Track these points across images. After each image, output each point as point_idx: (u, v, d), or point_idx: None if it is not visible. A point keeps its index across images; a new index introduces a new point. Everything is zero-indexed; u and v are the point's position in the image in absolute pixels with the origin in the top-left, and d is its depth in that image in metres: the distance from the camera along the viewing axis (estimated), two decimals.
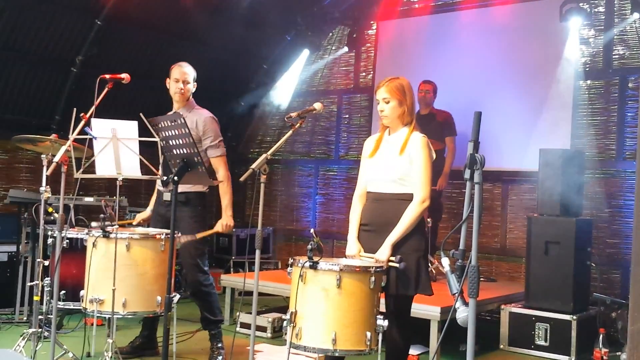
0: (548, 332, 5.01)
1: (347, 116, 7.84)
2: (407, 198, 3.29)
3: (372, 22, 7.63)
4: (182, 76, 4.36)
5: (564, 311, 4.99)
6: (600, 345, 4.70)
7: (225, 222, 4.32)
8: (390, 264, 3.19)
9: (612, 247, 5.86)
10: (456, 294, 2.38)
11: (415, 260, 3.26)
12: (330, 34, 7.94)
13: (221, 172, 4.36)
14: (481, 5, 6.81)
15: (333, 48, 7.93)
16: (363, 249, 3.38)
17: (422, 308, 4.58)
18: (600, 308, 5.25)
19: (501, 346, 5.19)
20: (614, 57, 6.14)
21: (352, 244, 3.39)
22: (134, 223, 4.48)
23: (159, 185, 4.47)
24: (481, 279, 6.39)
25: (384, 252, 3.23)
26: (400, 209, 3.27)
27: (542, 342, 5.04)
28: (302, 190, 8.07)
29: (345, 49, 7.73)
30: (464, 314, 2.34)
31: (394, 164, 3.32)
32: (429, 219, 5.72)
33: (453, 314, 2.43)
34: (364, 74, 7.73)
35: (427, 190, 3.30)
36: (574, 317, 4.93)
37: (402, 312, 3.33)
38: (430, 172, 3.32)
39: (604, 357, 4.66)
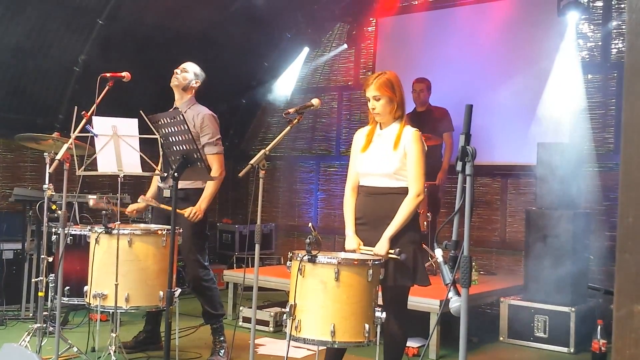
0: (547, 324, 5.06)
1: (347, 112, 7.89)
2: (402, 192, 3.32)
3: (371, 18, 7.68)
4: (181, 66, 4.46)
5: (563, 303, 5.03)
6: (599, 337, 4.73)
7: (195, 210, 4.27)
8: (391, 256, 3.24)
9: (611, 240, 5.87)
10: (449, 284, 2.43)
11: (412, 252, 3.31)
12: (330, 31, 7.99)
13: (215, 168, 4.35)
14: (479, 1, 6.84)
15: (333, 45, 7.98)
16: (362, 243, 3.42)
17: (422, 301, 4.63)
18: (599, 300, 5.30)
19: (501, 338, 5.24)
20: (612, 51, 6.17)
21: (351, 239, 3.41)
22: (127, 211, 4.47)
23: (158, 182, 4.52)
24: (481, 272, 6.43)
25: (382, 246, 3.26)
26: (395, 202, 3.31)
27: (541, 334, 5.09)
28: (303, 187, 8.14)
29: (345, 45, 7.78)
30: (457, 303, 2.39)
31: (389, 159, 3.34)
32: (428, 214, 5.78)
33: (447, 305, 2.48)
34: (363, 70, 7.79)
35: (422, 183, 3.34)
36: (573, 309, 4.97)
37: (399, 303, 3.38)
38: (425, 165, 3.35)
39: (603, 348, 4.69)
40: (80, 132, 3.70)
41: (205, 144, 4.37)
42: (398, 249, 3.22)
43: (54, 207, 4.61)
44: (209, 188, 4.34)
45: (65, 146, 3.76)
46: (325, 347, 3.31)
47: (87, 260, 3.98)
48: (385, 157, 3.36)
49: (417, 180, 3.31)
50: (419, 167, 3.31)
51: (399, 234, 3.29)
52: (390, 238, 3.27)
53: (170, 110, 4.40)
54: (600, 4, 6.23)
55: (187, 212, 4.25)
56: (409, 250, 3.29)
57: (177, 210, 4.14)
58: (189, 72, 4.46)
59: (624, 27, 6.10)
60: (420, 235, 3.42)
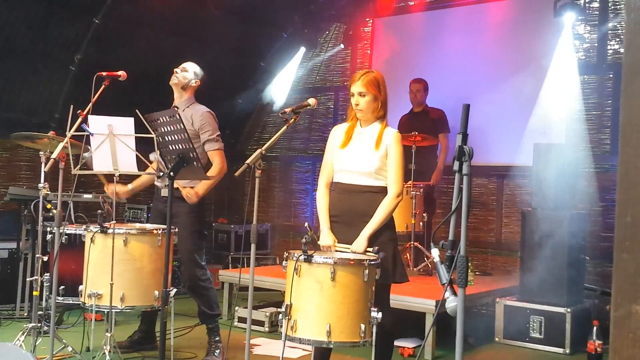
0: (542, 324, 5.06)
1: (343, 113, 7.88)
2: (379, 191, 3.34)
3: (367, 19, 7.68)
4: (181, 65, 4.45)
5: (558, 304, 5.03)
6: (594, 337, 4.73)
7: (192, 192, 4.26)
8: (369, 255, 3.24)
9: (606, 241, 5.89)
10: (445, 284, 2.42)
11: (392, 251, 3.33)
12: (327, 31, 7.98)
13: (216, 163, 4.34)
14: (475, 2, 6.86)
15: (329, 45, 7.98)
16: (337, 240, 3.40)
17: (418, 301, 4.63)
18: (595, 301, 5.30)
19: (496, 339, 5.24)
20: (608, 52, 6.18)
21: (326, 235, 3.39)
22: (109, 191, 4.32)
23: (156, 182, 4.51)
24: (477, 272, 6.42)
25: (360, 244, 3.27)
26: (372, 201, 3.32)
27: (536, 335, 5.09)
28: (299, 187, 8.13)
29: (341, 46, 7.78)
30: (453, 303, 2.38)
31: (370, 158, 3.35)
32: (424, 214, 5.79)
33: (443, 305, 2.47)
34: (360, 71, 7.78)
35: (402, 184, 3.38)
36: (568, 310, 4.97)
37: (382, 300, 3.35)
38: (404, 167, 3.41)
39: (598, 349, 4.69)
40: (76, 131, 3.69)
41: (205, 141, 4.36)
42: (377, 248, 3.23)
43: (49, 206, 4.59)
44: (210, 180, 4.27)
45: (60, 145, 3.74)
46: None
47: (82, 260, 3.97)
48: (365, 155, 3.37)
49: (398, 181, 3.34)
50: (399, 169, 3.35)
51: (377, 233, 3.30)
52: (369, 236, 3.28)
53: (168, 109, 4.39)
54: (596, 5, 6.24)
55: (185, 192, 4.22)
56: (389, 249, 3.30)
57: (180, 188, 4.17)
58: (189, 72, 4.45)
59: (620, 28, 6.12)
60: (396, 234, 3.46)
